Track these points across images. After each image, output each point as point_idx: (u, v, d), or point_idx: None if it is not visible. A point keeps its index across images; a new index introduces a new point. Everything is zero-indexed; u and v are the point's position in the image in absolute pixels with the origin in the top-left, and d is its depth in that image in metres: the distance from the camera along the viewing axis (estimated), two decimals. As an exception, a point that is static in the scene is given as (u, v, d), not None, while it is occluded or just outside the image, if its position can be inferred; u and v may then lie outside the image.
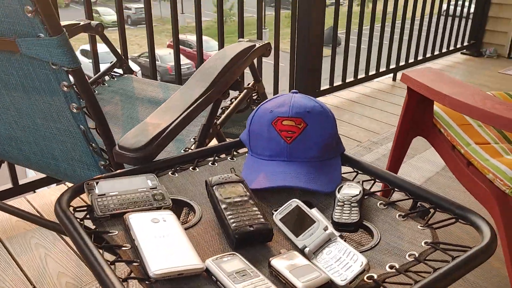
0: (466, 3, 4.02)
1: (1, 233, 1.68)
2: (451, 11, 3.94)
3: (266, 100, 1.01)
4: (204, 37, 2.25)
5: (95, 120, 0.97)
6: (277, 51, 2.62)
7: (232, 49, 1.26)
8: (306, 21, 2.64)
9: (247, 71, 1.50)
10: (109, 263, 0.68)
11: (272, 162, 0.95)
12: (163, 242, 0.72)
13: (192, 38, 16.97)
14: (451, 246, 0.74)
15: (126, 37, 1.95)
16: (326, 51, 2.97)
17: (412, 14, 3.46)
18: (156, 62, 2.12)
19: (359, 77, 3.15)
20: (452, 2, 3.96)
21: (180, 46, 2.19)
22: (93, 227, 0.79)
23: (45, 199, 1.88)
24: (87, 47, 1.77)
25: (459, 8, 3.98)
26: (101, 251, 0.71)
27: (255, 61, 1.59)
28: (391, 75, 3.48)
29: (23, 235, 1.67)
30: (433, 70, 1.54)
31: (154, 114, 1.04)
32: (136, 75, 1.74)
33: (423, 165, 2.27)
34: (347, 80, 3.08)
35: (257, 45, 1.32)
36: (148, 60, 2.18)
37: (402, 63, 3.46)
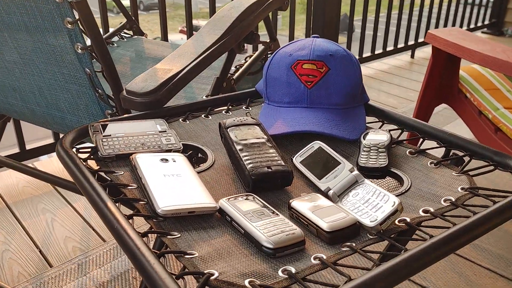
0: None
1: (8, 198, 1.64)
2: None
3: (285, 44, 0.94)
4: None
5: (102, 62, 0.91)
6: (291, 39, 2.55)
7: (248, -1, 1.18)
8: (321, 7, 2.54)
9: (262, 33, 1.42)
10: (113, 200, 0.62)
11: (291, 109, 0.88)
12: (173, 181, 0.65)
13: (204, 23, 16.79)
14: (491, 191, 0.67)
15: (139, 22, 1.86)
16: (341, 39, 2.87)
17: (431, 2, 3.36)
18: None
19: (376, 52, 3.05)
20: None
21: (194, 32, 2.11)
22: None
23: (52, 166, 1.83)
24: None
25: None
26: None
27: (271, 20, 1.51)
28: (409, 52, 3.37)
29: (30, 200, 1.63)
30: (459, 29, 1.45)
31: (165, 60, 0.98)
32: (146, 37, 1.67)
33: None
34: (364, 55, 2.98)
35: (274, -3, 1.24)
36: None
37: (420, 39, 3.35)
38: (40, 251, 1.39)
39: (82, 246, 1.41)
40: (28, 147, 1.80)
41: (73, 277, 1.28)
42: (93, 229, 1.49)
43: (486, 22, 4.00)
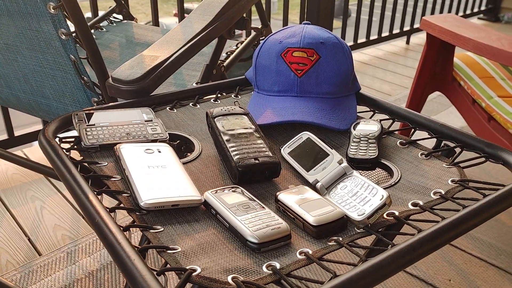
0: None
1: (-4, 185, 1.62)
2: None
3: (275, 31, 0.92)
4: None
5: (86, 48, 0.88)
6: (285, 23, 2.52)
7: (239, -17, 1.15)
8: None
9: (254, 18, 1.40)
10: (95, 192, 0.60)
11: (280, 97, 0.86)
12: (157, 173, 0.64)
13: (199, 7, 16.56)
14: (481, 184, 0.66)
15: (132, 6, 1.83)
16: (337, 23, 2.83)
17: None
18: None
19: (371, 38, 3.02)
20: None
21: (186, 15, 2.07)
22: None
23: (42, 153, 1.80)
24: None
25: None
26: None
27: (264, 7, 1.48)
28: (405, 38, 3.35)
29: (19, 187, 1.61)
30: (454, 16, 1.43)
31: (152, 46, 0.95)
32: (136, 21, 1.64)
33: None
34: (359, 41, 2.95)
35: (266, -18, 1.21)
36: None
37: (416, 25, 3.32)
38: (29, 239, 1.37)
39: (72, 234, 1.40)
40: (16, 133, 1.77)
41: (62, 265, 1.27)
42: (83, 217, 1.47)
43: (483, 8, 3.97)
